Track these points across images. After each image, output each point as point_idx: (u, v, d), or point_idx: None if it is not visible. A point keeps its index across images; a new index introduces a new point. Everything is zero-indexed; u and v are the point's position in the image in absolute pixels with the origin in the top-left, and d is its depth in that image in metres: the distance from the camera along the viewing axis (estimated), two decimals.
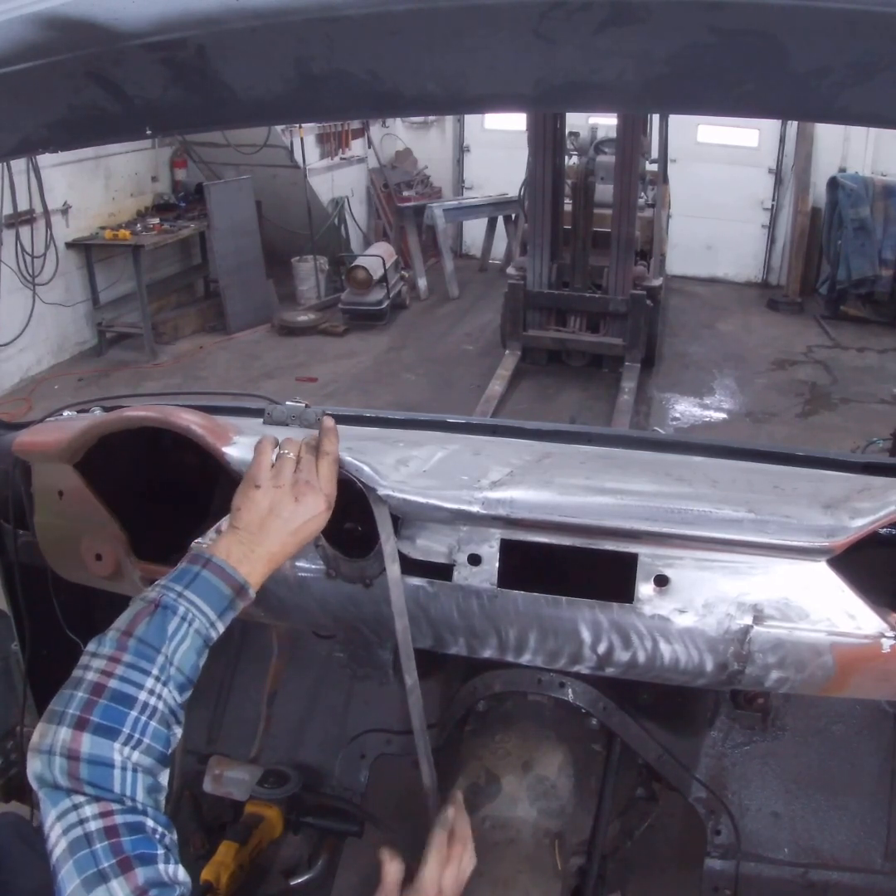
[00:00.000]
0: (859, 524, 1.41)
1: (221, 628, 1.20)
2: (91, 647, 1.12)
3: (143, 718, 1.06)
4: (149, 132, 1.17)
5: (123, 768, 1.03)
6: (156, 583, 1.20)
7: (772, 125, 10.01)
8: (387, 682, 2.13)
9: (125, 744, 1.04)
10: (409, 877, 1.29)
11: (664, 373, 7.81)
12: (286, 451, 1.31)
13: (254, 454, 1.32)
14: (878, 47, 0.84)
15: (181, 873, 1.01)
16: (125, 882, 0.95)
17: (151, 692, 1.08)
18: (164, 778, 1.09)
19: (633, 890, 1.97)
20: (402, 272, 9.71)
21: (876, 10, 0.81)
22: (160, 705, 1.09)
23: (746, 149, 10.39)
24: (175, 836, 1.04)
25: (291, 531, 1.28)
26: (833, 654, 1.44)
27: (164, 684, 1.10)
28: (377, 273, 8.89)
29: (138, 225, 8.26)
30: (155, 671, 1.10)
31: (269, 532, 1.26)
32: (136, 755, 1.04)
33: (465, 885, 1.37)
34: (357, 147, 10.75)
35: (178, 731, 1.13)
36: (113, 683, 1.07)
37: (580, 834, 1.84)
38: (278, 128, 8.57)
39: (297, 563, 1.65)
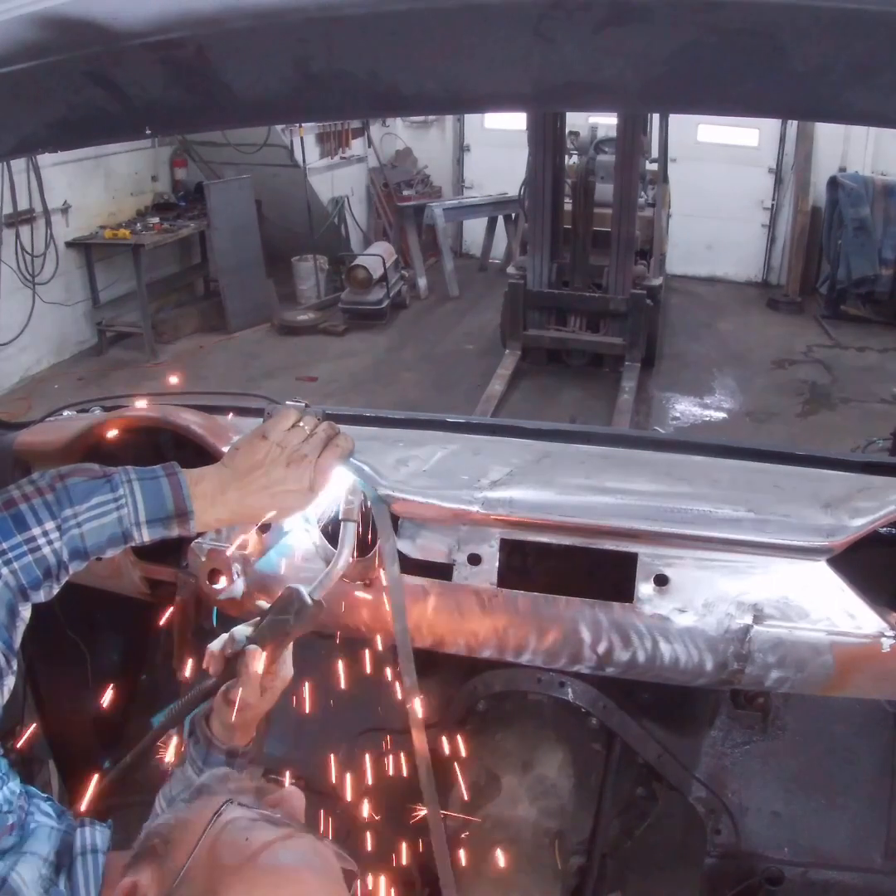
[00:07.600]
0: (859, 524, 1.41)
1: (146, 536, 1.22)
2: (35, 475, 1.20)
3: (25, 548, 1.14)
4: (149, 132, 1.17)
5: None
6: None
7: (772, 125, 10.00)
8: (386, 682, 2.13)
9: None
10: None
11: (664, 372, 7.80)
12: (303, 425, 1.34)
13: (278, 415, 1.35)
14: (878, 47, 0.84)
15: None
16: None
17: (45, 533, 1.16)
18: (14, 615, 1.17)
19: (633, 889, 1.97)
20: (402, 272, 9.70)
21: (876, 10, 0.81)
22: (46, 550, 1.16)
23: (746, 148, 10.38)
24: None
25: (271, 493, 1.28)
26: (833, 654, 1.44)
27: (61, 536, 1.17)
28: (377, 272, 8.89)
29: (138, 224, 8.25)
30: (58, 520, 1.17)
31: (251, 482, 1.27)
32: (4, 570, 1.13)
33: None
34: (357, 146, 10.74)
35: (42, 593, 1.19)
36: (23, 507, 1.16)
37: (580, 833, 1.84)
38: (278, 127, 8.55)
39: (297, 564, 1.65)
